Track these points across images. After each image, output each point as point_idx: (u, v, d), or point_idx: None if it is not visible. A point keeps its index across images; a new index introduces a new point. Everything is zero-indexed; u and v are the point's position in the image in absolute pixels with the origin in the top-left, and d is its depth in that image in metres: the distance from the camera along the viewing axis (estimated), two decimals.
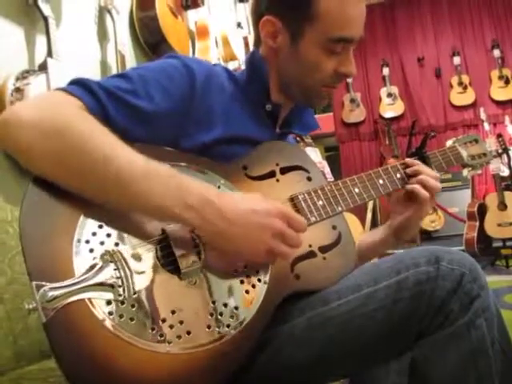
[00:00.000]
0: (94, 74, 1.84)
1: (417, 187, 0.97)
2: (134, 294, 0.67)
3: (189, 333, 0.68)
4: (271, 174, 0.89)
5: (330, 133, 6.01)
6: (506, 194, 4.16)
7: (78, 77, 0.79)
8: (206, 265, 0.74)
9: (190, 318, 0.69)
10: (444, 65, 5.71)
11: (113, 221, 0.70)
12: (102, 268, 0.67)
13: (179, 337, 0.67)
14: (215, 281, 0.74)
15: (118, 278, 0.67)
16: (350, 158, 6.06)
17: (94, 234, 0.69)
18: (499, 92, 5.44)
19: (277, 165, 0.90)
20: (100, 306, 0.64)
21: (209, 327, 0.70)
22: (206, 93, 0.87)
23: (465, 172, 1.20)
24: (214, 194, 0.72)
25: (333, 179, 3.20)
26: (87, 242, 0.68)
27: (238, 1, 3.32)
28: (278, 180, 0.89)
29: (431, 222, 4.90)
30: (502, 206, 4.14)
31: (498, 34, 5.57)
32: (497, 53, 5.43)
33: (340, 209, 0.90)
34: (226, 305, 0.72)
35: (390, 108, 5.82)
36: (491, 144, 3.57)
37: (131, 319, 0.65)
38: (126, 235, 0.70)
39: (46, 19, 1.45)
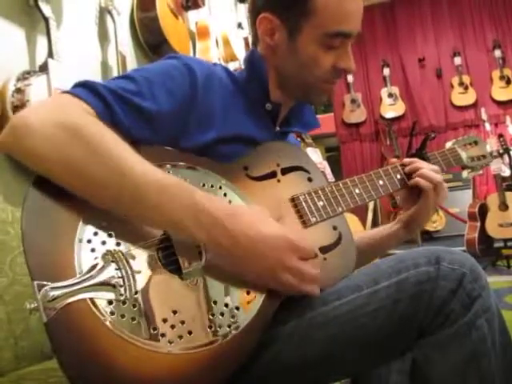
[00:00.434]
0: (94, 74, 1.84)
1: (418, 179, 0.99)
2: (136, 293, 0.67)
3: (190, 333, 0.68)
4: (272, 175, 0.89)
5: (330, 133, 6.02)
6: (507, 194, 4.15)
7: (82, 79, 0.79)
8: (208, 265, 0.74)
9: (191, 318, 0.69)
10: (445, 65, 5.71)
11: (114, 221, 0.70)
12: (103, 268, 0.67)
13: (180, 337, 0.67)
14: (216, 281, 0.74)
15: (119, 277, 0.67)
16: (351, 158, 6.06)
17: (95, 233, 0.69)
18: (500, 92, 5.44)
19: (278, 165, 0.90)
20: (101, 305, 0.64)
21: (210, 327, 0.70)
22: (206, 92, 0.87)
23: (464, 174, 1.22)
24: (223, 211, 0.71)
25: (333, 180, 3.21)
26: (89, 241, 0.68)
27: (238, 1, 3.33)
28: (278, 180, 0.89)
29: (432, 222, 4.91)
30: (503, 206, 4.14)
31: (499, 34, 5.57)
32: (498, 53, 5.44)
33: (340, 209, 0.90)
34: (226, 305, 0.72)
35: (391, 108, 5.82)
36: (492, 144, 3.56)
37: (132, 319, 0.65)
38: (127, 235, 0.71)
39: (46, 20, 1.46)
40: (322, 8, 0.86)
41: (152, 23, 2.06)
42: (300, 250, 0.74)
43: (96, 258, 0.67)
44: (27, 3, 1.48)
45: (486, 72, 5.54)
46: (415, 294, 0.73)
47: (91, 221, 0.69)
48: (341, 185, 0.92)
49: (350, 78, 5.82)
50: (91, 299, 0.64)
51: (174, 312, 0.68)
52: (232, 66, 2.84)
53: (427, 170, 1.00)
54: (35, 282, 0.62)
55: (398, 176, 1.01)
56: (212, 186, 0.81)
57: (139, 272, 0.69)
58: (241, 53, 2.94)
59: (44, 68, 1.42)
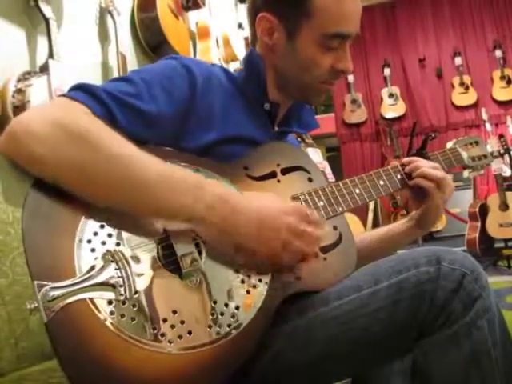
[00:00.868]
0: (95, 75, 1.85)
1: (419, 180, 0.98)
2: (136, 293, 0.67)
3: (190, 333, 0.68)
4: (272, 175, 0.89)
5: (331, 133, 6.02)
6: (508, 194, 4.15)
7: (78, 82, 0.78)
8: (207, 265, 0.74)
9: (191, 317, 0.69)
10: (445, 65, 5.71)
11: (114, 221, 0.70)
12: (103, 268, 0.67)
13: (180, 337, 0.67)
14: (216, 281, 0.74)
15: (119, 277, 0.67)
16: (352, 158, 6.06)
17: (95, 233, 0.69)
18: (501, 92, 5.43)
19: (278, 165, 0.90)
20: (101, 305, 0.64)
21: (210, 327, 0.70)
22: (205, 93, 0.87)
23: (465, 173, 1.21)
24: (228, 192, 0.74)
25: (334, 180, 3.20)
26: (89, 241, 0.68)
27: (238, 1, 3.33)
28: (279, 180, 0.89)
29: None
30: (504, 206, 4.13)
31: (500, 34, 5.57)
32: (498, 53, 5.43)
33: (341, 209, 0.90)
34: (226, 305, 0.73)
35: (392, 108, 5.82)
36: (493, 144, 3.56)
37: (132, 319, 0.65)
38: (127, 235, 0.71)
39: (47, 21, 1.46)
40: (321, 9, 0.86)
41: (152, 23, 2.06)
42: (307, 214, 0.77)
43: (96, 258, 0.67)
44: (28, 4, 1.48)
45: (486, 72, 5.54)
46: (416, 294, 0.73)
47: (91, 221, 0.69)
48: (341, 185, 0.93)
49: (350, 78, 5.82)
50: (91, 299, 0.64)
51: (174, 312, 0.68)
52: (232, 67, 2.84)
53: (427, 168, 0.99)
54: (35, 282, 0.62)
55: (399, 176, 1.01)
56: None
57: (139, 272, 0.69)
58: (241, 53, 2.94)
59: (44, 68, 1.42)
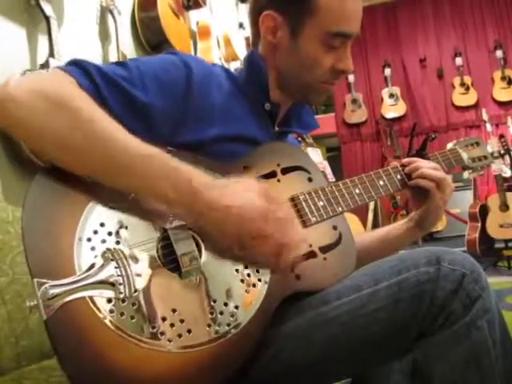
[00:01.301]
0: None
1: (418, 181, 0.99)
2: (135, 292, 0.67)
3: (189, 331, 0.68)
4: (272, 174, 0.89)
5: (331, 133, 6.01)
6: (508, 194, 4.15)
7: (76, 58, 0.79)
8: (207, 264, 0.74)
9: (191, 316, 0.69)
10: (446, 65, 5.71)
11: (114, 219, 0.71)
12: (103, 266, 0.67)
13: (180, 335, 0.67)
14: (216, 280, 0.74)
15: (118, 276, 0.67)
16: (352, 158, 6.05)
17: (95, 232, 0.69)
18: (501, 93, 5.43)
19: (278, 165, 0.90)
20: (101, 303, 0.64)
21: (209, 326, 0.70)
22: (204, 91, 0.87)
23: (465, 174, 1.21)
24: (211, 180, 0.73)
25: (334, 180, 3.20)
26: (89, 240, 0.68)
27: (239, 1, 3.33)
28: (279, 180, 0.89)
29: None
30: (504, 206, 4.13)
31: (501, 34, 5.56)
32: (499, 53, 5.43)
33: (340, 209, 0.90)
34: (226, 304, 0.73)
35: (392, 109, 5.81)
36: (493, 145, 3.56)
37: (132, 317, 0.65)
38: (127, 234, 0.71)
39: (47, 19, 1.46)
40: (325, 7, 0.87)
41: (153, 23, 2.06)
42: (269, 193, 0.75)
43: (96, 257, 0.67)
44: (28, 2, 1.48)
45: (487, 72, 5.53)
46: (415, 295, 0.73)
47: (91, 219, 0.69)
48: (341, 185, 0.93)
49: (351, 78, 5.82)
50: (91, 297, 0.64)
51: (174, 311, 0.68)
52: (233, 66, 2.84)
53: (427, 168, 0.99)
54: (35, 280, 0.62)
55: (399, 176, 1.01)
56: None
57: (138, 271, 0.69)
58: (242, 53, 2.94)
59: (45, 67, 1.43)
